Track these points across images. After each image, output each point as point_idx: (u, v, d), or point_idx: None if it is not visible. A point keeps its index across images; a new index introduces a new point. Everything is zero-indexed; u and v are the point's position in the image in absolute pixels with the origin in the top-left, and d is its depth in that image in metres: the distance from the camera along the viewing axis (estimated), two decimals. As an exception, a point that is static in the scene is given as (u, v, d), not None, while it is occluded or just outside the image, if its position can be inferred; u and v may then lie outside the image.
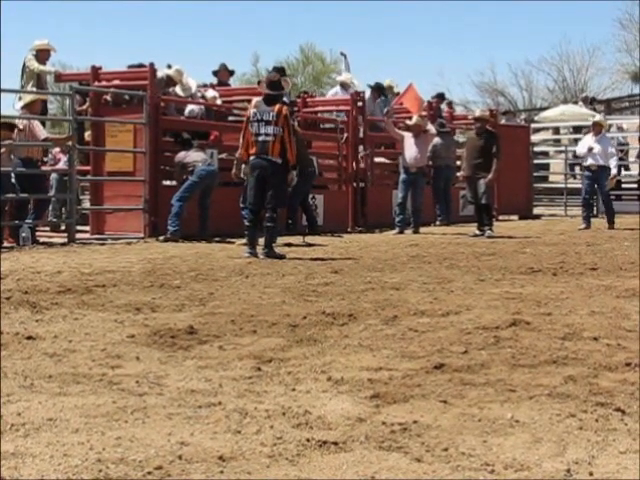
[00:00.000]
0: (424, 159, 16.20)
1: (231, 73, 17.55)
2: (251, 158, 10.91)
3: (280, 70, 17.63)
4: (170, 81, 14.49)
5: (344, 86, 18.51)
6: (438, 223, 17.57)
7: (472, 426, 3.69)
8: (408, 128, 16.10)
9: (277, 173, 10.80)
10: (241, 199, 12.23)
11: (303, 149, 15.63)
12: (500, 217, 19.13)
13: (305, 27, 66.08)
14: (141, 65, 14.68)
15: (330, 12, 62.51)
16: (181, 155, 13.27)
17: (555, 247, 12.34)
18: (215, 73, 17.02)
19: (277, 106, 10.91)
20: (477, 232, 15.00)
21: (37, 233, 12.83)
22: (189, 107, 14.87)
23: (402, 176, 16.07)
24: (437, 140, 17.24)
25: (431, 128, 16.34)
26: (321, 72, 44.42)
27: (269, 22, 64.21)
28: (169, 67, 14.71)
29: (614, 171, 17.74)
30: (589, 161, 17.15)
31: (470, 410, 3.93)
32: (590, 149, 17.03)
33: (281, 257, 10.66)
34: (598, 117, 19.15)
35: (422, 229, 16.02)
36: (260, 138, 10.81)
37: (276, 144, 10.76)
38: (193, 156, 13.19)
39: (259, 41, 67.49)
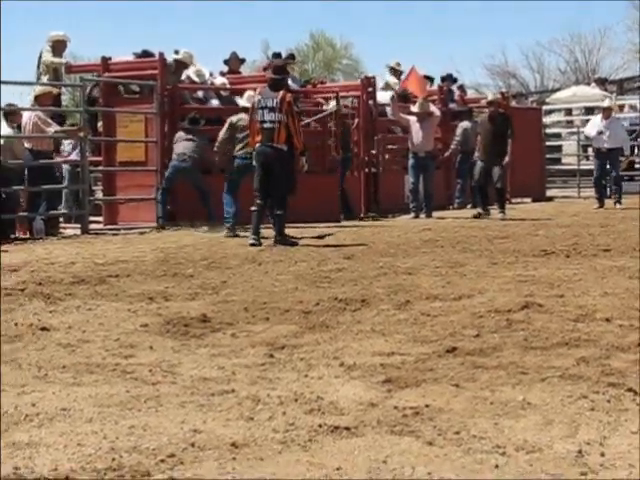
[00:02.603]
0: (430, 143, 16.14)
1: (242, 61, 17.51)
2: (257, 146, 10.90)
3: (290, 57, 17.65)
4: (180, 64, 14.44)
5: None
6: (456, 206, 17.53)
7: (484, 409, 3.70)
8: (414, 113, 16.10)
9: (283, 160, 10.79)
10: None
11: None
12: (513, 200, 19.05)
13: (314, 13, 65.89)
14: (146, 53, 14.66)
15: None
16: (174, 139, 13.27)
17: (568, 229, 12.29)
18: (226, 62, 16.99)
19: (281, 92, 10.87)
20: (481, 212, 15.09)
21: (51, 224, 12.85)
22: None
23: (411, 161, 16.04)
24: (467, 124, 17.28)
25: (435, 110, 16.28)
26: (332, 58, 44.33)
27: (279, 9, 64.06)
28: (176, 53, 14.69)
29: (627, 152, 17.77)
30: (598, 144, 17.30)
31: (482, 393, 3.94)
32: (599, 133, 17.14)
33: (294, 244, 10.66)
34: (607, 102, 19.14)
35: (438, 213, 15.97)
36: (265, 125, 10.79)
37: (281, 131, 10.72)
38: (178, 147, 13.14)
39: (269, 28, 67.35)
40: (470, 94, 23.17)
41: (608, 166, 17.46)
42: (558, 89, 32.55)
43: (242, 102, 12.86)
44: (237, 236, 11.60)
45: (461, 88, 20.56)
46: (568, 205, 18.04)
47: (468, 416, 3.60)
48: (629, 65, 43.54)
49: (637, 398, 3.81)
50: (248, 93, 12.57)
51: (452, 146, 17.55)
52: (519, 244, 10.33)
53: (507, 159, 14.93)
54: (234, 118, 12.23)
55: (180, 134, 13.34)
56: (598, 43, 44.62)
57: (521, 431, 3.39)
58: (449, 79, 19.47)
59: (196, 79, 14.78)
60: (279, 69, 11.28)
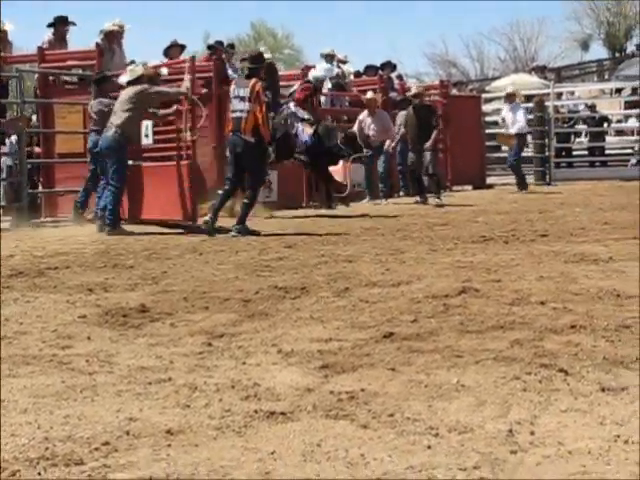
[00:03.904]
0: (384, 134, 16.26)
1: (182, 48, 17.26)
2: (229, 135, 11.00)
3: (230, 46, 17.58)
4: (112, 37, 14.20)
5: None
6: (401, 194, 17.65)
7: (418, 392, 3.75)
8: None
9: (249, 151, 10.78)
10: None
11: None
12: (453, 187, 19.23)
13: (255, 3, 65.65)
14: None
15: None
16: None
17: (507, 215, 12.45)
18: (166, 52, 16.79)
19: (252, 81, 10.88)
20: (419, 200, 15.34)
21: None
22: None
23: (365, 151, 16.16)
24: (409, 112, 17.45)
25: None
26: (273, 48, 44.22)
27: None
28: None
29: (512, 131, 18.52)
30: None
31: (417, 377, 3.99)
32: (503, 120, 18.49)
33: (254, 233, 10.61)
34: (510, 88, 19.72)
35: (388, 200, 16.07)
36: (235, 115, 10.86)
37: (249, 120, 10.73)
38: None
39: (209, 19, 66.91)
40: (411, 83, 23.26)
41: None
42: (498, 77, 32.83)
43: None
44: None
45: (400, 77, 20.63)
46: (507, 192, 18.23)
47: (403, 399, 3.64)
48: (567, 53, 44.28)
49: (567, 378, 3.88)
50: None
51: (396, 135, 17.64)
52: (458, 231, 10.44)
53: (429, 143, 15.20)
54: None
55: None
56: (537, 32, 45.17)
57: (454, 412, 3.45)
58: (388, 66, 19.50)
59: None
60: (254, 58, 11.33)
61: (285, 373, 4.13)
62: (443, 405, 3.55)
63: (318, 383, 3.93)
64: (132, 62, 15.14)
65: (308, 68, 17.20)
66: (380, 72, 18.96)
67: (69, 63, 14.23)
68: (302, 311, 5.66)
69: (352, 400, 3.63)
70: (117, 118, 11.31)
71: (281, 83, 17.34)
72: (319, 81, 15.15)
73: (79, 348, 4.72)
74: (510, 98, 18.58)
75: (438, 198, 15.08)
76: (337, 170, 15.08)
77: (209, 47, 17.90)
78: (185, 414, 3.47)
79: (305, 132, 13.35)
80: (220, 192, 11.15)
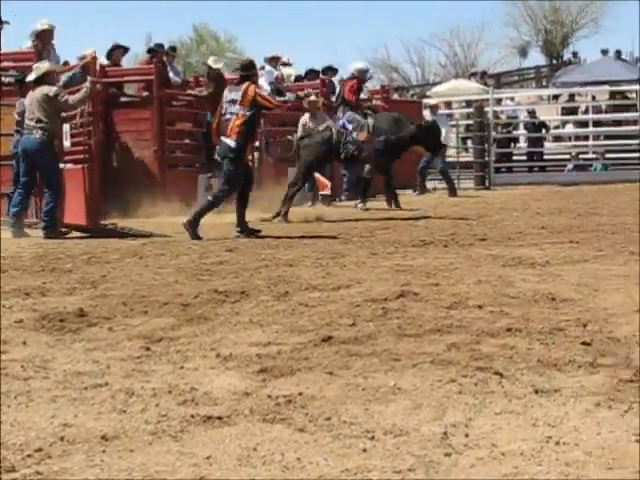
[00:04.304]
0: None
1: (125, 50, 17.10)
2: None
3: (171, 49, 17.49)
4: (43, 37, 14.01)
5: None
6: (343, 198, 17.70)
7: (356, 395, 3.78)
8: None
9: (229, 154, 10.77)
10: None
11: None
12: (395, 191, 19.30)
13: (197, 6, 65.40)
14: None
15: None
16: None
17: (447, 220, 12.56)
18: (108, 54, 16.62)
19: (244, 85, 10.86)
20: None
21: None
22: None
23: None
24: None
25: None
26: (216, 51, 44.09)
27: (161, 2, 63.33)
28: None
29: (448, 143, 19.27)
30: None
31: (355, 380, 4.01)
32: None
33: (197, 237, 10.51)
34: (434, 101, 20.03)
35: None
36: (225, 117, 10.90)
37: (235, 123, 10.72)
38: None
39: (151, 21, 66.54)
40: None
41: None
42: (439, 83, 33.13)
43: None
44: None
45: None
46: (447, 197, 18.38)
47: (340, 403, 3.66)
48: (506, 60, 44.87)
49: (502, 381, 3.93)
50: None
51: None
52: (399, 235, 10.50)
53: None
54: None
55: None
56: (476, 38, 45.70)
57: (390, 415, 3.47)
58: (330, 70, 19.56)
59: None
60: (244, 66, 11.34)
61: (223, 377, 4.12)
62: (380, 408, 3.57)
63: (256, 387, 3.93)
64: (66, 63, 15.01)
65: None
66: (322, 76, 19.01)
67: (5, 64, 14.03)
68: (241, 315, 5.65)
69: (289, 404, 3.64)
70: (37, 119, 11.14)
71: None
72: (362, 72, 14.96)
73: (14, 353, 4.66)
74: (434, 109, 18.89)
75: (363, 202, 15.18)
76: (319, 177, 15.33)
77: (150, 50, 17.79)
78: (121, 419, 3.46)
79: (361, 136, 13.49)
80: (210, 198, 11.14)
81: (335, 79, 19.69)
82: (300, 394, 3.78)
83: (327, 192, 16.13)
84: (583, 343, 4.62)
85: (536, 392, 3.76)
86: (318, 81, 18.62)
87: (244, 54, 45.10)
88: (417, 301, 5.94)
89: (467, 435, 3.23)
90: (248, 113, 10.70)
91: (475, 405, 3.59)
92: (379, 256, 8.51)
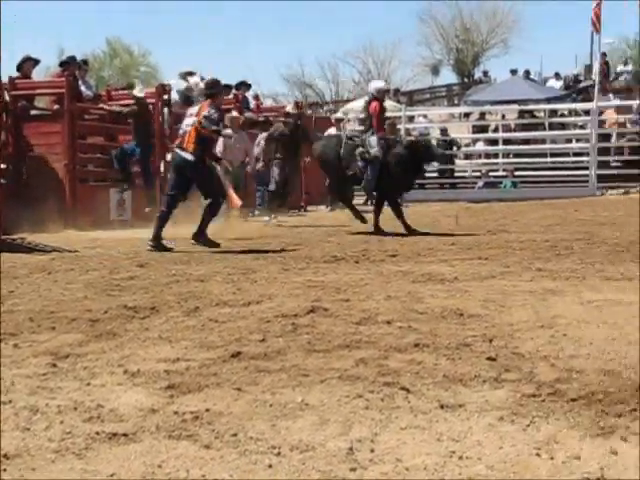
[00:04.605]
0: (243, 153, 16.32)
1: (36, 62, 16.86)
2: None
3: (83, 62, 17.31)
4: None
5: None
6: (257, 213, 17.71)
7: (263, 411, 3.78)
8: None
9: (190, 168, 10.84)
10: None
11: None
12: (308, 207, 19.42)
13: (111, 20, 64.85)
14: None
15: (137, 6, 61.73)
16: None
17: (359, 235, 12.64)
18: (19, 66, 16.36)
19: (204, 102, 11.13)
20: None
21: None
22: None
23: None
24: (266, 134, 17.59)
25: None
26: (129, 65, 43.81)
27: (73, 15, 62.65)
28: None
29: None
30: None
31: (262, 396, 4.02)
32: None
33: (214, 244, 10.72)
34: (339, 114, 20.35)
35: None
36: (181, 131, 11.15)
37: (190, 136, 10.85)
38: None
39: (64, 34, 65.69)
40: (268, 103, 23.42)
41: None
42: (352, 99, 33.38)
43: None
44: None
45: (256, 97, 20.76)
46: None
47: (247, 419, 3.67)
48: (419, 77, 45.53)
49: (409, 396, 3.98)
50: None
51: (256, 155, 17.67)
52: (311, 250, 10.53)
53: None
54: None
55: None
56: (390, 56, 46.24)
57: (297, 431, 3.49)
58: (243, 86, 19.59)
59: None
60: (208, 84, 11.60)
61: (130, 394, 4.09)
62: (286, 424, 3.58)
63: (163, 403, 3.91)
64: None
65: (162, 86, 17.12)
66: (235, 91, 19.01)
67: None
68: (151, 331, 5.61)
69: (196, 420, 3.63)
70: None
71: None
72: (382, 92, 14.77)
73: None
74: (338, 124, 19.05)
75: (270, 217, 15.30)
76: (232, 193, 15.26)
77: (62, 63, 17.56)
78: (24, 437, 3.41)
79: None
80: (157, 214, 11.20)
81: (249, 94, 19.76)
82: (207, 410, 3.77)
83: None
84: (489, 358, 4.71)
85: (441, 407, 3.82)
86: (232, 96, 18.62)
87: (158, 69, 44.98)
88: (327, 317, 5.97)
89: (372, 450, 3.26)
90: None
91: (381, 420, 3.63)
92: (291, 272, 8.52)
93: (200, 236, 10.91)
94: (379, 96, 14.10)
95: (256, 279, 7.99)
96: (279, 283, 7.68)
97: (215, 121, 10.97)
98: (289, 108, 17.25)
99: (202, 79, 18.69)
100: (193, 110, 11.19)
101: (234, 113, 16.58)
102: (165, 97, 16.77)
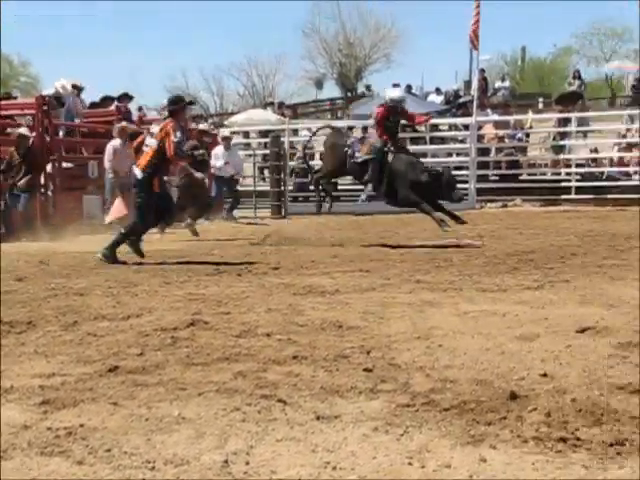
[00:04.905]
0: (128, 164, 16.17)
1: None
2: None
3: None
4: None
5: None
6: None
7: (139, 426, 3.76)
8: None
9: (139, 186, 10.78)
10: None
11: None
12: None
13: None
14: None
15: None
16: None
17: (242, 248, 12.63)
18: None
19: (166, 121, 10.93)
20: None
21: None
22: None
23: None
24: None
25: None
26: (9, 75, 42.94)
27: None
28: None
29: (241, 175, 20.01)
30: (222, 172, 18.88)
31: (139, 410, 3.99)
32: (226, 163, 18.81)
33: (122, 262, 10.50)
34: (226, 132, 20.46)
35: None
36: (142, 150, 11.11)
37: (146, 156, 10.76)
38: None
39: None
40: (152, 115, 23.21)
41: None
42: (237, 112, 33.41)
43: None
44: None
45: (140, 109, 20.60)
46: (244, 225, 18.50)
47: (122, 433, 3.64)
48: (302, 91, 45.89)
49: (286, 408, 4.01)
50: None
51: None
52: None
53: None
54: None
55: None
56: (274, 69, 46.48)
57: (172, 445, 3.48)
58: (125, 98, 19.41)
59: None
60: (170, 101, 11.42)
61: (2, 411, 4.01)
62: (162, 438, 3.57)
63: (36, 420, 3.85)
64: None
65: (42, 97, 16.82)
66: (117, 103, 18.82)
67: None
68: (27, 346, 5.52)
69: (70, 436, 3.59)
70: None
71: (13, 112, 16.87)
72: (394, 102, 14.29)
73: None
74: (226, 141, 19.18)
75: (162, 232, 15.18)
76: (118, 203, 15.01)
77: None
78: None
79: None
80: (122, 230, 11.06)
81: (132, 106, 19.62)
82: (81, 425, 3.73)
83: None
84: (365, 369, 4.77)
85: (317, 418, 3.86)
86: (113, 107, 18.43)
87: (39, 79, 44.20)
88: (207, 330, 5.96)
89: (248, 463, 3.28)
90: (158, 146, 10.75)
91: (257, 433, 3.64)
92: (172, 285, 8.47)
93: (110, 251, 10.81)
94: (390, 104, 13.93)
95: (137, 292, 7.92)
96: (160, 296, 7.63)
97: (183, 147, 11.06)
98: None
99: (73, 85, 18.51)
100: (154, 129, 11.07)
101: (124, 123, 16.45)
102: (45, 108, 16.45)
